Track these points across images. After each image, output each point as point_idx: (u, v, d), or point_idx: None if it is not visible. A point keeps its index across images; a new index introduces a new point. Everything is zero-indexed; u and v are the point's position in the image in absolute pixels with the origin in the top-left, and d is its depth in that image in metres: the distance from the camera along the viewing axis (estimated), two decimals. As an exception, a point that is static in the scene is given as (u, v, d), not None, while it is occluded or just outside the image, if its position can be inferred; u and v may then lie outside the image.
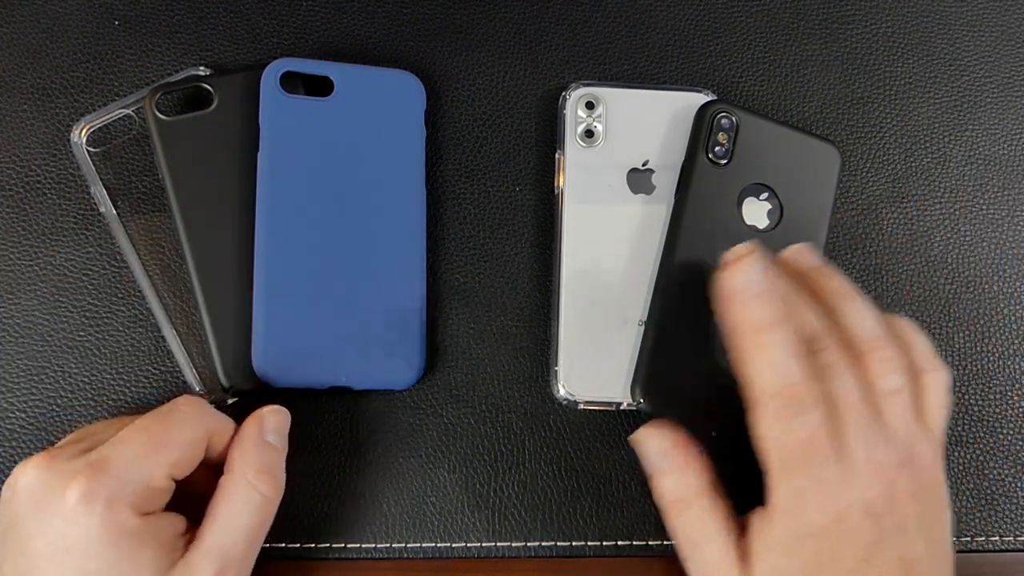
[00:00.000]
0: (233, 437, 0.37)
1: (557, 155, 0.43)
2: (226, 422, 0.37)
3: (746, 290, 0.35)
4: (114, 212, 0.42)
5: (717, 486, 0.36)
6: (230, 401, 0.40)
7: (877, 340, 0.35)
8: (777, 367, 0.34)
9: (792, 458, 0.33)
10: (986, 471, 0.43)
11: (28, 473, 0.32)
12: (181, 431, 0.34)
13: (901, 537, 0.33)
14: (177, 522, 0.34)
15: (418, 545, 0.41)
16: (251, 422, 0.37)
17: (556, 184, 0.43)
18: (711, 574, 0.34)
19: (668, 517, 0.36)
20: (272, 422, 0.37)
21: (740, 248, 0.36)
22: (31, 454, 0.40)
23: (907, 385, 0.35)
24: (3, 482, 0.36)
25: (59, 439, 0.40)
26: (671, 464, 0.36)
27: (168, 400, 0.41)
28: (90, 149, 0.42)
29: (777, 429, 0.33)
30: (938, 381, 0.36)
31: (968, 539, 0.42)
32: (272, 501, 0.36)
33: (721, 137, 0.42)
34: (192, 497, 0.35)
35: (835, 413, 0.33)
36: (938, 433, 0.35)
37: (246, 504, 0.35)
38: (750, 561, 0.34)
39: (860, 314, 0.36)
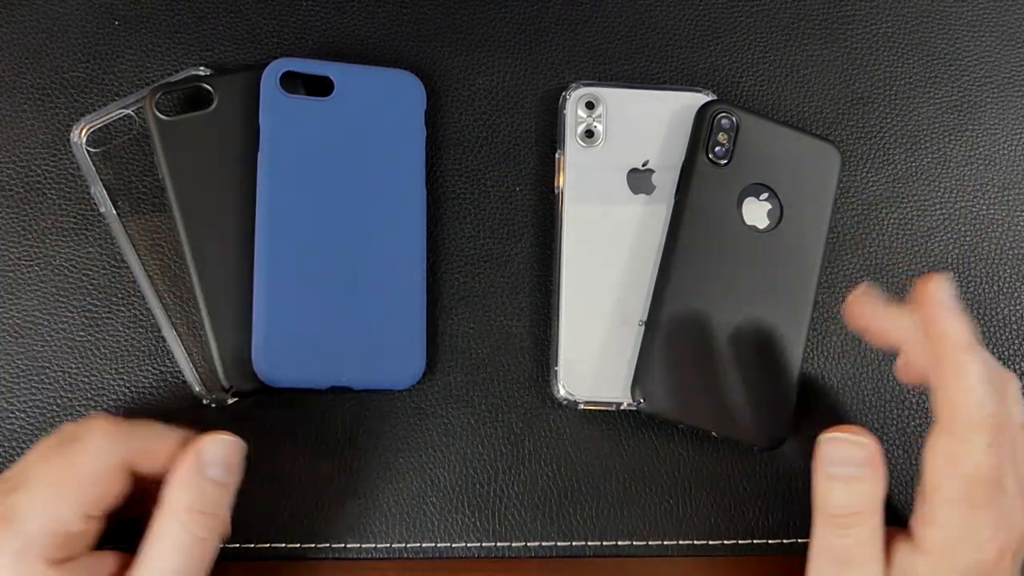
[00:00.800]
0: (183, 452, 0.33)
1: (557, 155, 0.43)
2: (156, 438, 0.33)
3: (953, 305, 0.33)
4: (114, 212, 0.42)
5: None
6: (230, 401, 0.40)
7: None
8: (983, 390, 0.31)
9: (975, 491, 0.31)
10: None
11: None
12: (85, 467, 0.31)
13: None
14: (104, 563, 0.32)
15: (418, 545, 0.41)
16: (187, 453, 0.33)
17: (556, 184, 0.43)
18: None
19: (828, 528, 0.33)
20: (213, 454, 0.33)
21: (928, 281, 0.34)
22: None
23: None
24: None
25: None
26: (863, 472, 0.33)
27: (167, 402, 0.41)
28: (90, 149, 0.42)
29: (976, 460, 0.31)
30: None
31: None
32: (207, 542, 0.32)
33: (721, 137, 0.42)
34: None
35: (1002, 440, 0.32)
36: None
37: (175, 545, 0.31)
38: None
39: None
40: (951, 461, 0.32)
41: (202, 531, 0.32)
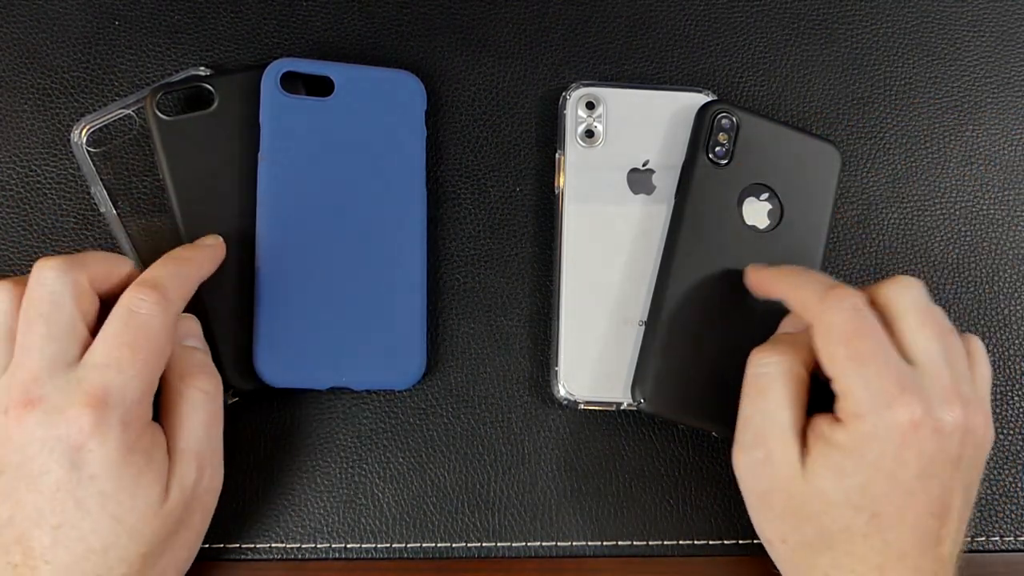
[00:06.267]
0: None
1: (557, 155, 0.43)
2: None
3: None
4: (114, 212, 0.42)
5: None
6: (230, 401, 0.40)
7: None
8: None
9: (857, 345, 0.34)
10: (987, 471, 0.43)
11: (27, 429, 0.32)
12: (155, 342, 0.34)
13: (954, 471, 0.34)
14: (158, 430, 0.35)
15: (418, 545, 0.41)
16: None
17: (556, 184, 0.43)
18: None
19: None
20: (184, 329, 0.37)
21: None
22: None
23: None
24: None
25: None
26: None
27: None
28: (90, 149, 0.42)
29: (842, 319, 0.34)
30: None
31: (969, 539, 0.42)
32: (212, 394, 0.36)
33: (721, 137, 0.42)
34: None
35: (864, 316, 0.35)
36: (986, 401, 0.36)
37: (190, 405, 0.36)
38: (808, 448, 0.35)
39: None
40: (824, 333, 0.35)
41: (205, 384, 0.36)
